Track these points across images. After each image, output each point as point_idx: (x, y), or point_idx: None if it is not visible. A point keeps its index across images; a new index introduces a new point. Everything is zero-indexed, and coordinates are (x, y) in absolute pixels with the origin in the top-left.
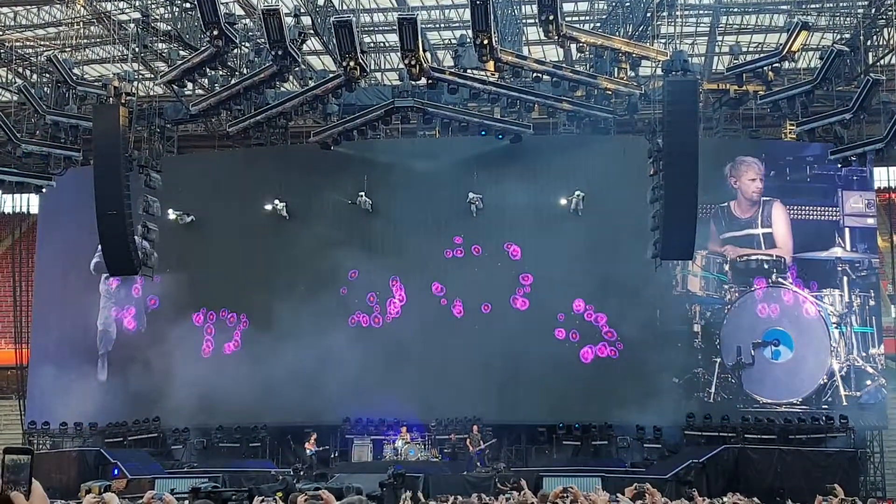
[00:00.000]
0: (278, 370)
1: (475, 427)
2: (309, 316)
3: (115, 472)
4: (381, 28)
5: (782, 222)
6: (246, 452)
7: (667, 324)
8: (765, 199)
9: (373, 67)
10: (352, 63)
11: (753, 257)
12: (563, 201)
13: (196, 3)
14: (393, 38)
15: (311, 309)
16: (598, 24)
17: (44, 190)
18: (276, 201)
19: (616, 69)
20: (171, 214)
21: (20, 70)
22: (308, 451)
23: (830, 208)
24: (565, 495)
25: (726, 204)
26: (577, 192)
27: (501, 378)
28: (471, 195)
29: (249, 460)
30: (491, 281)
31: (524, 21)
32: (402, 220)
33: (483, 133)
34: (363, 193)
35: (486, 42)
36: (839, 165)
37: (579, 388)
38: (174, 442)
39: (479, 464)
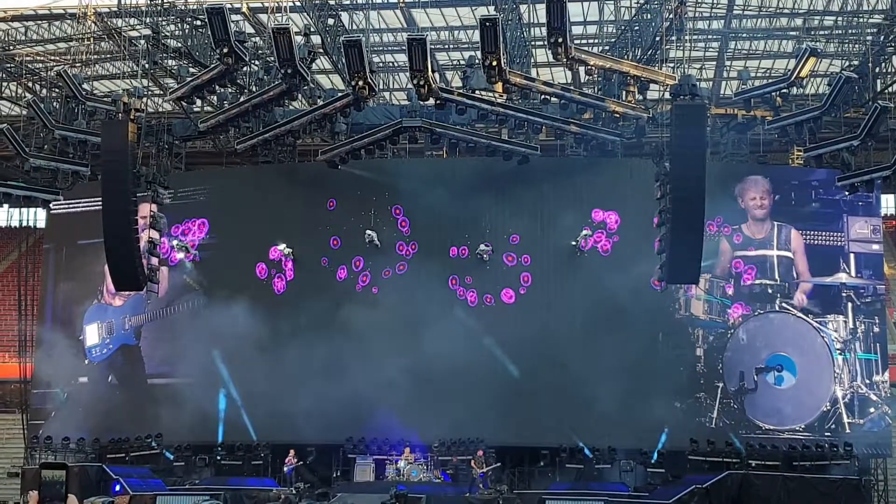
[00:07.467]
0: (282, 389)
1: (480, 451)
2: (313, 336)
3: (118, 487)
4: (390, 48)
5: (801, 250)
6: (248, 470)
7: (669, 348)
8: (778, 223)
9: (381, 87)
10: (361, 82)
11: (758, 282)
12: (573, 242)
13: (207, 20)
14: (402, 58)
15: (316, 329)
16: (607, 48)
17: (51, 205)
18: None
19: (624, 92)
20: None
21: (30, 84)
22: (285, 469)
23: (836, 233)
24: None
25: (737, 226)
26: (584, 232)
27: (506, 400)
28: (481, 247)
29: (251, 478)
30: (498, 306)
31: (533, 43)
32: (410, 242)
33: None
34: (370, 232)
35: (494, 63)
36: (846, 192)
37: (582, 412)
38: (176, 459)
39: (482, 486)
